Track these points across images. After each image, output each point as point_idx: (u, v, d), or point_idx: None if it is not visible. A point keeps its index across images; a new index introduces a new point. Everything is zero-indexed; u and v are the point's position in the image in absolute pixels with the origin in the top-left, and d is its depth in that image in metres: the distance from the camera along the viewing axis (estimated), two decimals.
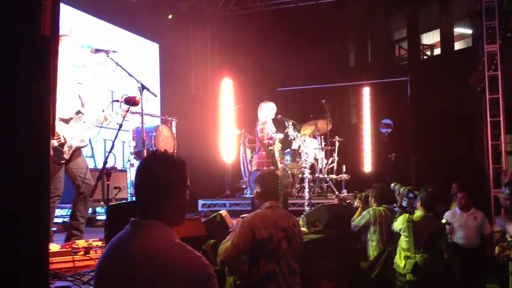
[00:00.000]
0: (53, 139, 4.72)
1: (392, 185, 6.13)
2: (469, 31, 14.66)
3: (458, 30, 15.44)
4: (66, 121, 4.91)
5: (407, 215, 5.41)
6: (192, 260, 1.92)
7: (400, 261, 5.37)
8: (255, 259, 3.64)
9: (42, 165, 2.02)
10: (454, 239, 6.96)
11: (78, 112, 5.02)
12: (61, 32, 4.96)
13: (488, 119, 10.31)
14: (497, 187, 9.67)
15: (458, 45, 15.44)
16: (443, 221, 5.58)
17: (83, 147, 5.09)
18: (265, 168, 7.75)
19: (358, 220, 5.99)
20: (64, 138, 4.85)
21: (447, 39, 15.46)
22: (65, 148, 4.87)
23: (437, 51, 16.10)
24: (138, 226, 1.99)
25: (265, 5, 12.72)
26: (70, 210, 5.65)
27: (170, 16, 11.92)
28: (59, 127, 4.80)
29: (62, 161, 4.88)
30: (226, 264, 3.71)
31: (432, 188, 5.59)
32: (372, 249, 5.84)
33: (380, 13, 16.23)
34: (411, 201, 5.56)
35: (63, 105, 4.87)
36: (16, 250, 1.92)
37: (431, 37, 16.25)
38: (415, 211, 5.54)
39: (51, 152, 4.72)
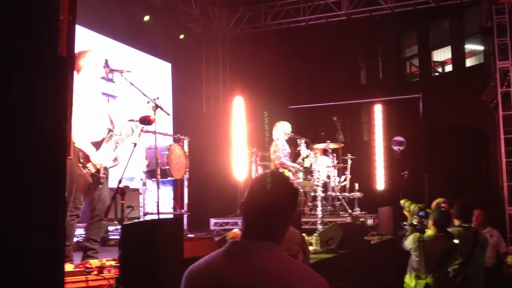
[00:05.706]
0: (91, 167, 4.76)
1: (402, 202, 5.99)
2: (480, 48, 14.61)
3: (469, 46, 15.40)
4: (99, 143, 4.86)
5: (417, 234, 5.27)
6: (315, 276, 1.90)
7: (410, 281, 5.25)
8: None
9: (59, 185, 2.03)
10: None
11: (109, 131, 4.97)
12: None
13: (502, 136, 10.22)
14: None
15: (469, 62, 15.38)
16: (456, 241, 5.44)
17: (117, 165, 5.04)
18: None
19: None
20: (100, 165, 4.84)
21: (459, 56, 15.42)
22: (101, 173, 4.87)
23: (449, 68, 16.05)
24: (250, 247, 1.91)
25: (276, 24, 12.81)
26: (84, 230, 5.63)
27: (182, 36, 12.05)
28: (94, 156, 4.77)
29: (100, 186, 4.88)
30: None
31: (445, 206, 5.47)
32: None
33: (391, 30, 16.26)
34: (422, 219, 5.43)
35: (94, 128, 4.84)
36: (32, 269, 1.92)
37: (442, 54, 16.22)
38: (426, 230, 5.41)
39: (90, 180, 4.76)
